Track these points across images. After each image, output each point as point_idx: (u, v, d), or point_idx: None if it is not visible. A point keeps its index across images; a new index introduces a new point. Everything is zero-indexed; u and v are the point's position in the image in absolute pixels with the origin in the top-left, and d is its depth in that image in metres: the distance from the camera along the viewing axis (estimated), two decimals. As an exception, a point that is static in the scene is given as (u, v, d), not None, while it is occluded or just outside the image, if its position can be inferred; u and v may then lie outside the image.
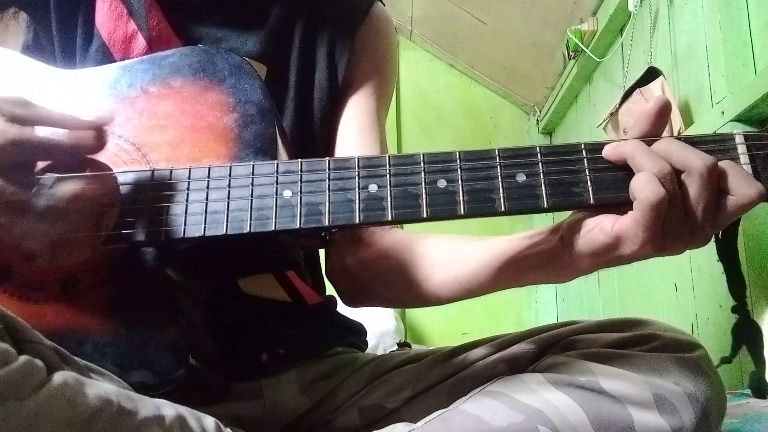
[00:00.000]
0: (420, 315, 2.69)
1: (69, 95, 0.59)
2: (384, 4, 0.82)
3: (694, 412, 0.51)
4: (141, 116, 0.57)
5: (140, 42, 0.67)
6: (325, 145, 0.76)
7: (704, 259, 1.33)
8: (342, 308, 0.81)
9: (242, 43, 0.70)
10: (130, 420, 0.39)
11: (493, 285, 0.61)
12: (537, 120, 2.88)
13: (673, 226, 0.46)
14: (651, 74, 1.51)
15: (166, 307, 0.51)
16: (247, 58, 0.67)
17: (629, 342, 0.57)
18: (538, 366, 0.59)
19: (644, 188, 0.45)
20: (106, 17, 0.67)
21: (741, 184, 0.46)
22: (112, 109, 0.58)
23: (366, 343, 0.82)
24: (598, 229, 0.49)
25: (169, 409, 0.44)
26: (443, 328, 2.67)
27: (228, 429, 0.49)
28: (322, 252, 0.78)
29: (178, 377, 0.49)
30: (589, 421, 0.52)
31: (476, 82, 2.98)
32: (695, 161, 0.46)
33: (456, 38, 2.80)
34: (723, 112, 1.25)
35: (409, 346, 2.04)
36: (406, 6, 2.77)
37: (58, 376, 0.37)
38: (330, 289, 0.83)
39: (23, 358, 0.36)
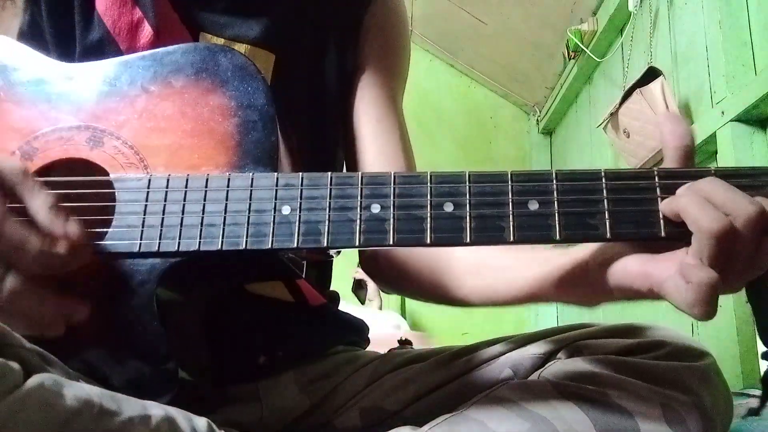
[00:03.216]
0: (421, 310, 2.70)
1: (66, 90, 0.57)
2: None
3: (701, 422, 0.51)
4: (140, 117, 0.56)
5: (147, 30, 0.64)
6: (341, 137, 0.73)
7: (704, 259, 1.33)
8: (342, 307, 0.81)
9: (248, 29, 0.66)
10: (111, 420, 0.39)
11: (524, 302, 0.58)
12: (537, 120, 2.88)
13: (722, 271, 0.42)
14: (651, 74, 1.51)
15: (157, 323, 0.50)
16: (253, 48, 0.66)
17: (637, 349, 0.56)
18: (545, 371, 0.58)
19: (702, 217, 0.41)
20: (110, 4, 0.64)
21: None
22: (112, 107, 0.56)
23: (368, 341, 0.81)
24: (626, 272, 0.46)
25: (157, 409, 0.43)
26: (443, 327, 2.67)
27: (221, 430, 0.49)
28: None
29: (168, 393, 0.49)
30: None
31: (476, 82, 2.98)
32: (743, 206, 0.42)
33: (456, 38, 2.80)
34: (723, 112, 1.26)
35: (410, 344, 2.04)
36: (406, 6, 2.77)
37: (34, 379, 0.36)
38: (332, 286, 0.82)
39: None
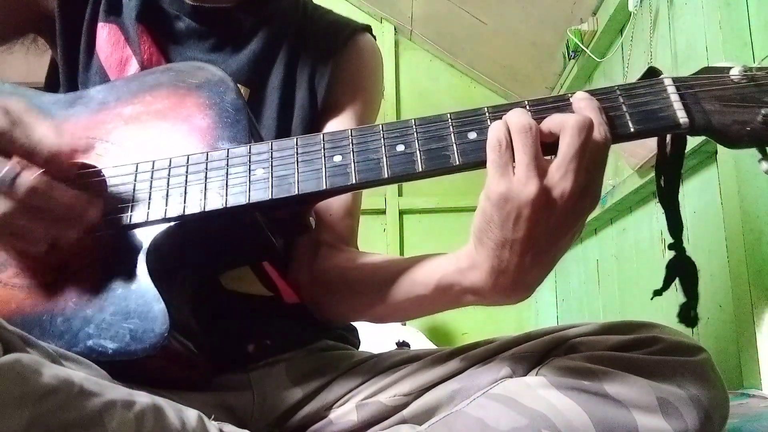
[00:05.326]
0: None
1: (61, 112, 0.67)
2: (375, 37, 0.86)
3: (698, 416, 0.51)
4: (127, 122, 0.64)
5: (134, 65, 0.73)
6: None
7: (704, 259, 1.33)
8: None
9: (226, 68, 0.74)
10: (91, 401, 0.39)
11: (432, 310, 0.65)
12: (537, 120, 2.88)
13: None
14: (651, 74, 1.51)
15: (150, 284, 0.54)
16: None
17: (633, 345, 0.57)
18: (542, 369, 0.59)
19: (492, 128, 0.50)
20: (105, 43, 0.75)
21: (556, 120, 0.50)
22: (101, 120, 0.65)
23: (358, 339, 0.83)
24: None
25: (144, 397, 0.43)
26: (443, 328, 2.67)
27: (214, 422, 0.49)
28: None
29: (161, 341, 0.51)
30: (594, 426, 0.52)
31: (476, 82, 2.98)
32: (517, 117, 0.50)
33: (456, 38, 2.80)
34: (723, 112, 1.25)
35: (408, 346, 2.04)
36: (406, 6, 2.77)
37: (11, 356, 0.37)
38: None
39: None
